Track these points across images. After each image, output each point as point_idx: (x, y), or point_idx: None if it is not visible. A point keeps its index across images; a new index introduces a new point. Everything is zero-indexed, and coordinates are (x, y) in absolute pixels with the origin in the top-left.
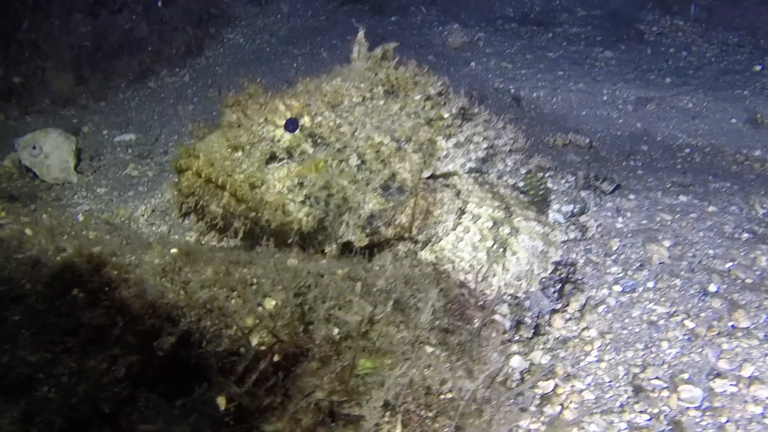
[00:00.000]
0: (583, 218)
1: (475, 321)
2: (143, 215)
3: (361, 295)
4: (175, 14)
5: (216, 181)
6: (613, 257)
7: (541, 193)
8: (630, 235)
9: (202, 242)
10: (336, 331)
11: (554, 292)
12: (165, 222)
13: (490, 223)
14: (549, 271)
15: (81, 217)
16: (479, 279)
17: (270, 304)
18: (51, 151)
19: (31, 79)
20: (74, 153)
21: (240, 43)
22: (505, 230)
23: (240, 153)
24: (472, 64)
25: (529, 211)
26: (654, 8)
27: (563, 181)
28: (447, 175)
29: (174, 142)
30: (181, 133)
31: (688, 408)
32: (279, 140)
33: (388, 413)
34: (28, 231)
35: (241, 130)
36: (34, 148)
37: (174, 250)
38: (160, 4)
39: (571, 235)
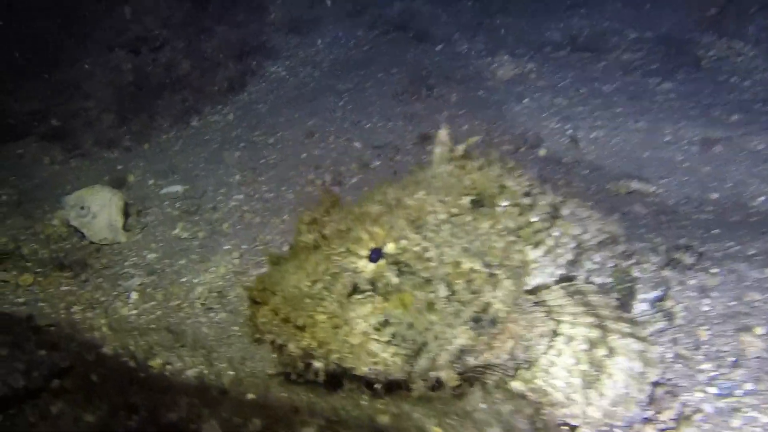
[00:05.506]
0: (668, 303)
1: None
2: (200, 298)
3: None
4: (216, 49)
5: (295, 322)
6: (704, 350)
7: (627, 285)
8: (718, 321)
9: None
10: None
11: (645, 396)
12: (223, 307)
13: (585, 345)
14: (647, 394)
15: (134, 295)
16: (573, 406)
17: None
18: (99, 210)
19: (74, 119)
20: (122, 211)
21: (282, 77)
22: (601, 352)
23: (320, 285)
24: (525, 100)
25: (623, 324)
26: (708, 29)
27: (647, 265)
28: (536, 290)
29: (222, 195)
30: (229, 185)
31: None
32: (361, 271)
33: None
34: None
35: (320, 256)
36: (82, 208)
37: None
38: None
39: (658, 325)
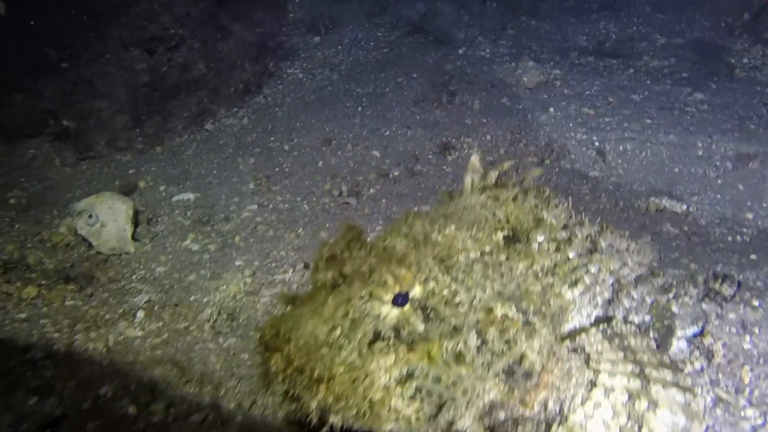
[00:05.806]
0: (707, 340)
1: None
2: (209, 320)
3: None
4: (233, 50)
5: (311, 373)
6: (747, 394)
7: (666, 322)
8: (762, 360)
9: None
10: None
11: None
12: (233, 331)
13: (625, 397)
14: None
15: (141, 314)
16: None
17: None
18: (107, 219)
19: (86, 120)
20: (131, 219)
21: (299, 79)
22: (642, 405)
23: (338, 332)
24: (551, 109)
25: (665, 371)
26: (742, 34)
27: (686, 299)
28: (573, 334)
29: (235, 205)
30: (242, 194)
31: None
32: (384, 317)
33: None
34: None
35: (339, 299)
36: (90, 216)
37: None
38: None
39: (697, 365)
